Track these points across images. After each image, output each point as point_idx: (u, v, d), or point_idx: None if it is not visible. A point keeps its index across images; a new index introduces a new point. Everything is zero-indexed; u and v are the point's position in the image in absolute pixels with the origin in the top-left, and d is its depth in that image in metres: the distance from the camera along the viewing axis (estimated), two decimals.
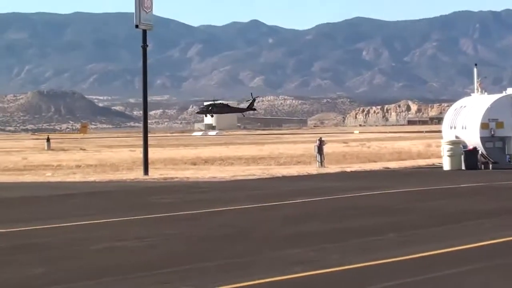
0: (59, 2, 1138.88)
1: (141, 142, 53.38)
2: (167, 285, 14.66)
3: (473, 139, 49.71)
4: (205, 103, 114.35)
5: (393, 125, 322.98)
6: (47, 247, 20.04)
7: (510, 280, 14.94)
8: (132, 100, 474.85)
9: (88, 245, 20.17)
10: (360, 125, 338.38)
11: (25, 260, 18.07)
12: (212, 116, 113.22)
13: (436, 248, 18.02)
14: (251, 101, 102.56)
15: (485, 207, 27.64)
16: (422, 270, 15.70)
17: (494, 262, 16.73)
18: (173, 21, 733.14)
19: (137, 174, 49.58)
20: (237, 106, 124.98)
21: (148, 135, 53.74)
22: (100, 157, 77.53)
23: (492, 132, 49.40)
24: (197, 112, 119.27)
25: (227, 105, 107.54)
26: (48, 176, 50.64)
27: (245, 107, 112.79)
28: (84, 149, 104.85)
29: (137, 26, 51.44)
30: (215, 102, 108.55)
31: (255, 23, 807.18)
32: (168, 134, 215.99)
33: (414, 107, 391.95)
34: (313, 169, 51.75)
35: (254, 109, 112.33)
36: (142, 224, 24.74)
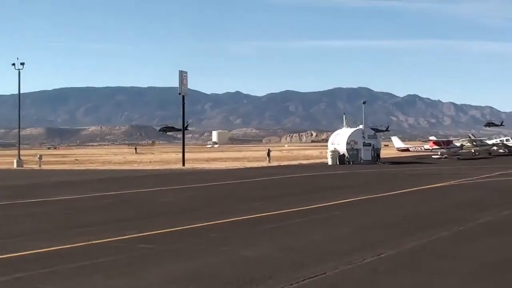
0: (140, 80, 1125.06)
1: (181, 150, 53.42)
2: (191, 221, 14.67)
3: (342, 150, 50.10)
4: (161, 126, 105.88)
5: (304, 143, 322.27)
6: (134, 201, 19.95)
7: (328, 224, 14.96)
8: None
9: (154, 200, 20.19)
10: (288, 143, 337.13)
11: (122, 208, 17.99)
12: (166, 133, 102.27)
13: (311, 204, 18.14)
14: (187, 124, 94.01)
15: (343, 183, 27.86)
16: (306, 215, 15.79)
17: (338, 212, 16.84)
18: (196, 91, 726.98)
19: (179, 166, 49.48)
20: (179, 128, 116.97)
21: (185, 147, 53.73)
22: (161, 157, 77.21)
23: (352, 146, 49.80)
24: (159, 130, 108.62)
25: (173, 127, 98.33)
26: (135, 166, 50.50)
27: (185, 128, 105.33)
28: (153, 153, 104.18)
29: (179, 93, 51.54)
30: (168, 125, 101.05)
31: (237, 93, 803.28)
32: (194, 147, 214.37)
33: (315, 134, 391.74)
34: (265, 164, 51.80)
35: (187, 129, 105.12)
36: (179, 190, 24.68)
